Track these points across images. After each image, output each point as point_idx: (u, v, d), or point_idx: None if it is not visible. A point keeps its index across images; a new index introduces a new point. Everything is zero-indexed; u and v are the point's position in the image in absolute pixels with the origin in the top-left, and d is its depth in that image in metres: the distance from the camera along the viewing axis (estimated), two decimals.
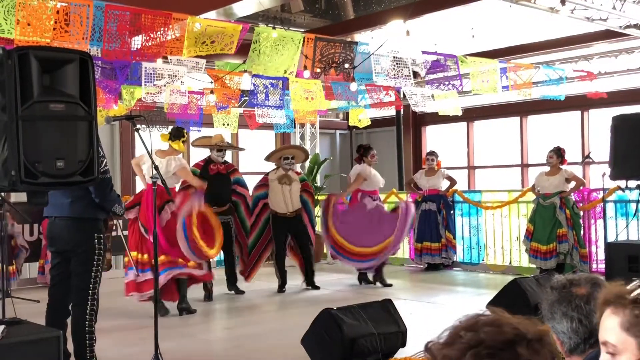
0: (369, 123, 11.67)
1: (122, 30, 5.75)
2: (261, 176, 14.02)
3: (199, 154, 10.06)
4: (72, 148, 3.71)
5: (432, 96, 10.73)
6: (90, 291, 4.70)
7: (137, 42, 6.03)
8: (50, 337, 3.61)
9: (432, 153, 10.69)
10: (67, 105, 3.70)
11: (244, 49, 6.79)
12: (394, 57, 7.86)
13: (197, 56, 6.73)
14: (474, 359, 1.30)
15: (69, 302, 4.82)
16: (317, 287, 8.89)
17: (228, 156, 14.06)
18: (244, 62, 7.93)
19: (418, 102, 10.40)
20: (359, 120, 11.46)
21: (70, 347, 4.79)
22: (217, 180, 8.29)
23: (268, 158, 9.25)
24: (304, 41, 7.02)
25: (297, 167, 9.80)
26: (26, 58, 3.56)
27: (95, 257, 4.72)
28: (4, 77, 3.53)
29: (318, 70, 7.28)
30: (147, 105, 10.87)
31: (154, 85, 8.31)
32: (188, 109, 9.98)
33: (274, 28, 6.98)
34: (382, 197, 11.61)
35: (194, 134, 11.80)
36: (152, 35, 5.94)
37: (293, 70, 7.03)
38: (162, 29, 5.95)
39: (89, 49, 5.56)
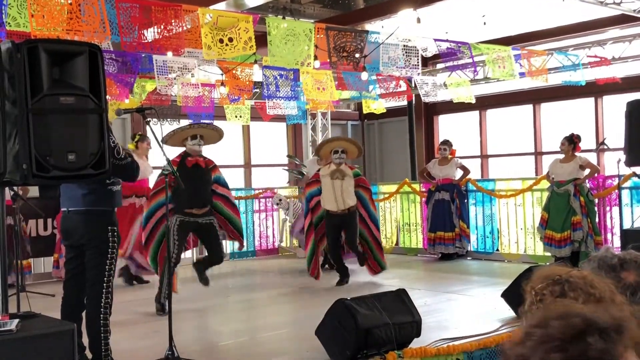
0: (384, 111, 11.65)
1: (135, 23, 5.74)
2: (273, 169, 14.16)
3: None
4: (83, 141, 3.70)
5: (445, 85, 10.68)
6: (104, 284, 4.70)
7: (151, 34, 6.02)
8: (64, 330, 3.60)
9: (445, 142, 10.62)
10: (77, 98, 3.68)
11: (256, 40, 6.75)
12: (404, 46, 7.81)
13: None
14: (545, 355, 1.25)
15: (83, 296, 4.83)
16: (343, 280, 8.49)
17: (239, 148, 14.20)
18: (254, 53, 7.91)
19: (429, 92, 10.36)
20: (374, 109, 11.45)
21: (85, 340, 4.80)
22: (196, 174, 6.93)
23: (317, 152, 8.75)
24: (315, 31, 6.99)
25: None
26: (35, 51, 3.55)
27: (109, 250, 4.71)
28: (13, 71, 3.52)
29: (335, 59, 7.20)
30: (162, 100, 10.92)
31: (166, 78, 8.33)
32: (202, 102, 10.00)
33: (283, 18, 6.95)
34: (395, 187, 11.60)
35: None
36: (168, 28, 5.93)
37: (311, 62, 6.95)
38: (174, 21, 5.94)
39: (108, 41, 5.54)
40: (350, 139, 9.22)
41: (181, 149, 7.12)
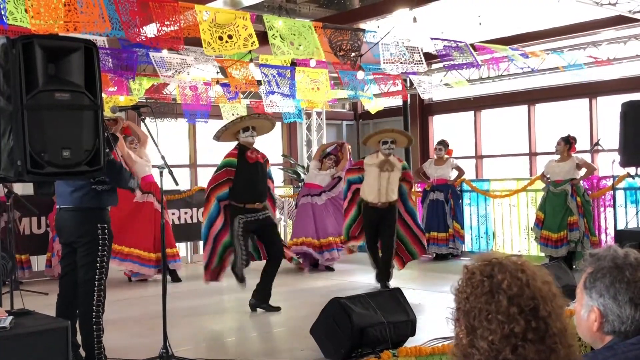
0: (381, 109, 11.67)
1: (135, 17, 5.72)
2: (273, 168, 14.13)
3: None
4: (78, 137, 3.68)
5: (446, 84, 10.72)
6: (96, 282, 4.67)
7: (152, 29, 6.00)
8: (58, 327, 3.58)
9: (441, 142, 10.60)
10: (73, 94, 3.67)
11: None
12: (403, 44, 7.82)
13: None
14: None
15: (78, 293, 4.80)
16: (387, 287, 7.67)
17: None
18: (250, 52, 7.91)
19: (427, 89, 10.40)
20: (371, 108, 11.48)
21: (79, 338, 4.78)
22: (257, 170, 6.88)
23: (365, 141, 8.20)
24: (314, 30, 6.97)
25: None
26: (31, 47, 3.54)
27: (100, 247, 4.68)
28: (8, 67, 3.50)
29: (343, 54, 7.17)
30: (163, 98, 10.94)
31: (165, 76, 8.34)
32: (200, 99, 10.00)
33: (279, 16, 6.94)
34: None
35: (200, 125, 11.85)
36: (167, 22, 5.91)
37: (321, 54, 6.87)
38: (173, 17, 5.92)
39: (108, 31, 5.50)
40: (399, 130, 8.65)
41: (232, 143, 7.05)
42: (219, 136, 6.89)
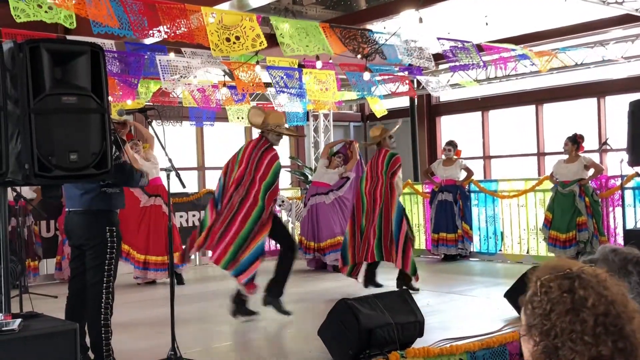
0: (386, 113, 11.63)
1: (144, 16, 5.75)
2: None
3: None
4: (85, 141, 3.69)
5: (456, 85, 10.71)
6: (104, 285, 4.69)
7: (161, 31, 6.03)
8: (66, 330, 3.59)
9: (450, 143, 10.57)
10: (80, 97, 3.68)
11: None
12: (412, 43, 7.84)
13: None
14: None
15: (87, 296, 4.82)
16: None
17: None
18: (256, 53, 7.92)
19: (435, 88, 10.41)
20: (376, 110, 11.45)
21: (88, 340, 4.80)
22: None
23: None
24: (322, 31, 6.97)
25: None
26: (37, 51, 3.55)
27: (108, 250, 4.70)
28: (15, 71, 3.52)
29: (351, 47, 7.16)
30: (169, 101, 10.97)
31: (170, 81, 8.35)
32: (209, 102, 10.04)
33: (285, 17, 6.94)
34: None
35: (207, 128, 11.89)
36: (176, 23, 5.92)
37: (330, 52, 6.88)
38: (179, 20, 5.94)
39: (117, 26, 5.52)
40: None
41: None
42: (265, 124, 6.49)
